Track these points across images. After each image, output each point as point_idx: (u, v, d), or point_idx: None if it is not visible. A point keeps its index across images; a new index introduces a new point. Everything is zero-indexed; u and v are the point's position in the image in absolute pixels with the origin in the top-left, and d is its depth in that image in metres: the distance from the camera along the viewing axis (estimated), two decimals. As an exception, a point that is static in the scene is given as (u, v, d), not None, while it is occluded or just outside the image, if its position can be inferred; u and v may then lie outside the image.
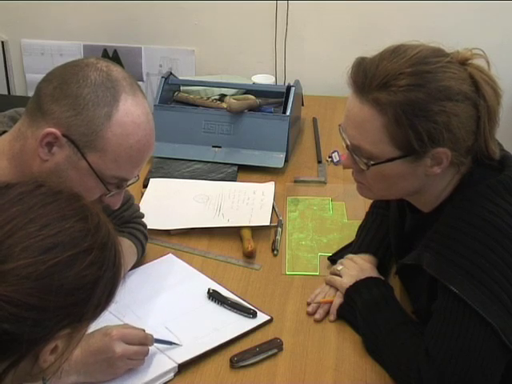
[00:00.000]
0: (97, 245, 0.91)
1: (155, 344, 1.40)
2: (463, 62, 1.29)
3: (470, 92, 1.26)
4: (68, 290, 0.87)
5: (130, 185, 1.37)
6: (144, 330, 1.38)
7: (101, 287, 0.91)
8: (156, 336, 1.40)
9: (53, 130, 1.23)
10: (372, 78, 1.27)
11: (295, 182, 2.11)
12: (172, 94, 2.36)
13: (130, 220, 1.68)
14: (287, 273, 1.71)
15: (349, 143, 1.35)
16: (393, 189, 1.37)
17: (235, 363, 1.41)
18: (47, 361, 0.90)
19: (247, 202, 1.94)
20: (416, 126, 1.24)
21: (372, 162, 1.31)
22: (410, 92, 1.24)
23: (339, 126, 1.38)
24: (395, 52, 1.28)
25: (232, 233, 1.83)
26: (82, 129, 1.23)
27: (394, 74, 1.25)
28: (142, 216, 1.73)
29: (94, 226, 0.92)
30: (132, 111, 1.26)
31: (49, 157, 1.26)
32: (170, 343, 1.42)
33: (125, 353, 1.32)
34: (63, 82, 1.25)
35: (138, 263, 1.68)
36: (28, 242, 0.86)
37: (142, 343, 1.36)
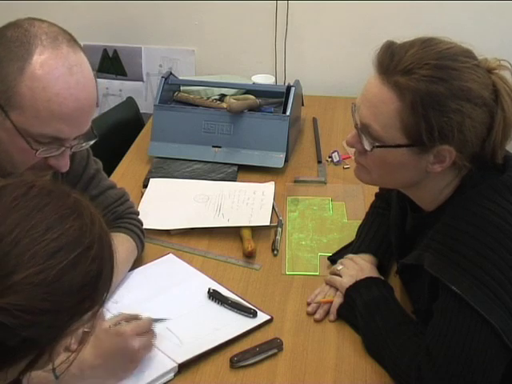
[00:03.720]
0: (95, 239, 0.92)
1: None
2: (489, 70, 1.29)
3: (490, 100, 1.26)
4: (77, 288, 0.89)
5: (83, 146, 1.33)
6: (138, 315, 1.40)
7: (103, 278, 0.93)
8: (157, 335, 1.42)
9: None
10: (398, 61, 1.27)
11: (295, 181, 2.11)
12: (172, 94, 2.36)
13: (123, 215, 1.68)
14: (287, 273, 1.71)
15: (359, 122, 1.35)
16: (391, 176, 1.37)
17: (235, 363, 1.41)
18: (59, 355, 0.92)
19: (247, 202, 1.94)
20: (430, 118, 1.24)
21: (377, 144, 1.31)
22: (432, 83, 1.24)
23: (352, 104, 1.39)
24: (427, 42, 1.29)
25: (232, 233, 1.83)
26: None
27: (420, 63, 1.25)
28: (137, 213, 1.73)
29: (90, 221, 0.93)
30: (49, 63, 1.22)
31: None
32: (161, 320, 1.46)
33: (141, 345, 1.35)
34: None
35: (138, 263, 1.68)
36: (34, 248, 0.86)
37: (149, 328, 1.39)
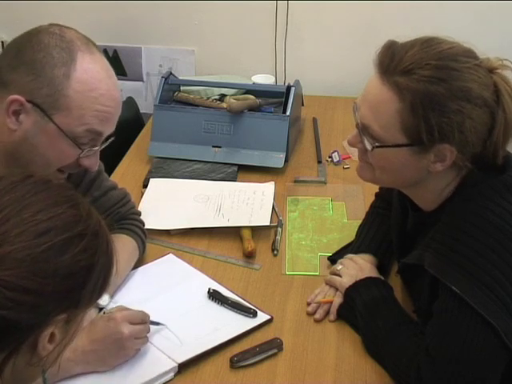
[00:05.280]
0: (89, 231, 0.92)
1: (153, 338, 1.43)
2: (491, 70, 1.28)
3: (491, 100, 1.26)
4: (64, 274, 0.88)
5: (105, 144, 1.39)
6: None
7: (95, 273, 0.93)
8: (157, 334, 1.43)
9: (16, 96, 1.27)
10: (399, 61, 1.26)
11: (295, 181, 2.11)
12: (172, 94, 2.36)
13: (126, 216, 1.69)
14: (287, 273, 1.71)
15: (359, 122, 1.35)
16: (393, 175, 1.37)
17: (235, 363, 1.41)
18: (46, 349, 0.90)
19: (247, 202, 1.94)
20: (430, 119, 1.24)
21: (377, 144, 1.31)
22: (432, 84, 1.23)
23: (354, 103, 1.38)
24: (428, 42, 1.28)
25: (232, 233, 1.83)
26: (44, 90, 1.27)
27: (420, 63, 1.25)
28: (139, 214, 1.74)
29: (86, 214, 0.94)
30: (91, 68, 1.31)
31: (17, 126, 1.29)
32: (158, 324, 1.45)
33: (132, 332, 1.36)
34: (18, 51, 1.29)
35: (139, 263, 1.68)
36: (23, 227, 0.87)
37: (143, 321, 1.40)
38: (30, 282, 0.85)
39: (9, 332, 0.86)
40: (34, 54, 1.28)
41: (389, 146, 1.30)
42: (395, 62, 1.27)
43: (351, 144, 1.40)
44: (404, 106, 1.26)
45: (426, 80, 1.24)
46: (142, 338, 1.39)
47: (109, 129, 1.36)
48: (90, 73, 1.30)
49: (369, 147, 1.33)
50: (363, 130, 1.34)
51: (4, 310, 0.84)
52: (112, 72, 1.37)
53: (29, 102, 1.27)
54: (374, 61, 1.31)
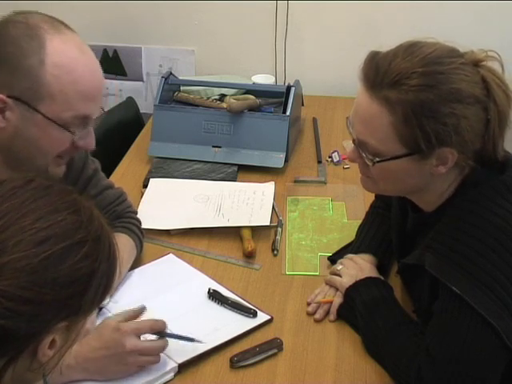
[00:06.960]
0: (90, 237, 0.91)
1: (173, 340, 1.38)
2: (476, 63, 1.28)
3: (482, 95, 1.25)
4: (63, 282, 0.87)
5: (96, 120, 1.36)
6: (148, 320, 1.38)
7: (97, 279, 0.91)
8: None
9: None
10: (384, 74, 1.25)
11: (295, 181, 2.11)
12: (172, 94, 2.36)
13: (122, 215, 1.68)
14: (287, 273, 1.71)
15: (355, 138, 1.35)
16: (397, 185, 1.37)
17: (235, 363, 1.41)
18: (46, 355, 0.90)
19: (247, 202, 1.94)
20: (424, 127, 1.24)
21: (377, 159, 1.31)
22: (421, 92, 1.23)
23: (347, 118, 1.38)
24: (410, 49, 1.27)
25: (232, 233, 1.83)
26: (22, 83, 1.26)
27: (407, 73, 1.24)
28: (136, 212, 1.74)
29: (87, 219, 0.92)
30: (62, 49, 1.28)
31: (5, 123, 1.28)
32: (192, 340, 1.39)
33: (135, 347, 1.31)
34: None
35: (138, 263, 1.68)
36: (21, 236, 0.86)
37: (153, 329, 1.35)
38: (29, 291, 0.84)
39: (7, 341, 0.85)
40: (4, 49, 1.26)
41: (389, 159, 1.30)
42: (381, 75, 1.26)
43: (351, 159, 1.39)
44: (397, 118, 1.25)
45: (414, 89, 1.23)
46: (150, 356, 1.33)
47: (96, 109, 1.34)
48: (62, 54, 1.27)
49: (369, 163, 1.32)
50: (360, 145, 1.33)
51: (2, 319, 0.83)
52: (86, 47, 1.32)
53: (10, 97, 1.26)
54: (359, 75, 1.30)
